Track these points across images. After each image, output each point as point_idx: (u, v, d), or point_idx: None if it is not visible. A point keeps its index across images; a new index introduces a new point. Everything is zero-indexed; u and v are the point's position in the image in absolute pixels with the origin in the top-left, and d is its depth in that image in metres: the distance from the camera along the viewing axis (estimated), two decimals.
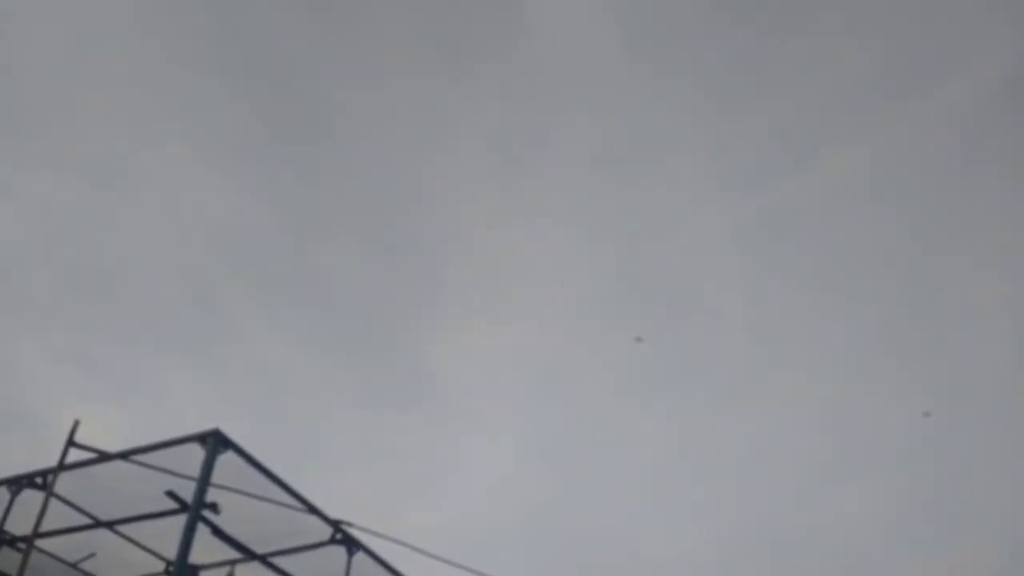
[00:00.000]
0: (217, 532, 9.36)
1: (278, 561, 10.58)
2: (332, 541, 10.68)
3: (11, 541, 9.72)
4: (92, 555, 11.34)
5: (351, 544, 10.87)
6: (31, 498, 9.71)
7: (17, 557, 10.04)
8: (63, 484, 9.45)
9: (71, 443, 9.04)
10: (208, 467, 8.79)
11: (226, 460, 9.24)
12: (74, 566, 11.52)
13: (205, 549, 9.82)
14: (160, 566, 11.01)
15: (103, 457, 9.24)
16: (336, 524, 10.65)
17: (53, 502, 9.23)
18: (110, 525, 9.99)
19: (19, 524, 9.87)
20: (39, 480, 9.41)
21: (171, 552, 10.78)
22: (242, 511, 9.83)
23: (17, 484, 9.47)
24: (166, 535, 10.69)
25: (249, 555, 10.20)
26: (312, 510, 10.26)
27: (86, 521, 10.00)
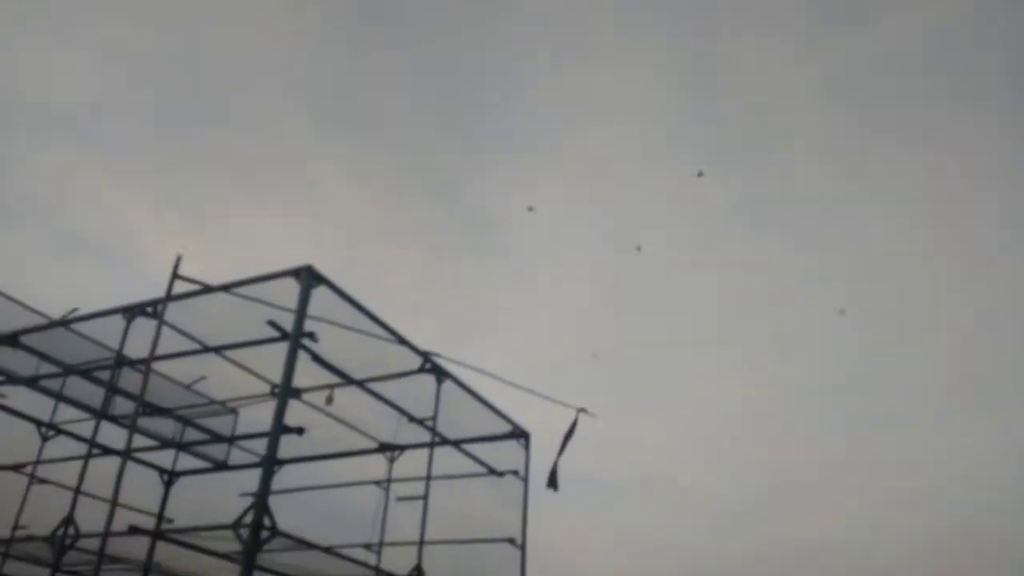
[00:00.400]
0: (316, 359, 9.89)
1: (374, 387, 11.19)
2: (422, 370, 11.22)
3: (131, 363, 10.54)
4: (203, 378, 12.29)
5: (440, 373, 11.40)
6: (144, 326, 10.46)
7: (137, 378, 10.99)
8: (171, 314, 10.09)
9: (175, 275, 9.51)
10: (304, 299, 9.17)
11: (317, 295, 9.64)
12: (188, 388, 12.54)
13: (305, 375, 10.46)
14: (265, 388, 11.80)
15: (206, 289, 9.73)
16: (425, 355, 11.14)
17: (164, 332, 9.91)
18: (217, 350, 10.66)
19: (136, 350, 10.70)
20: (149, 309, 10.04)
21: (274, 376, 11.59)
22: (336, 343, 10.36)
23: (131, 312, 10.15)
24: (268, 362, 11.46)
25: (347, 380, 10.79)
26: (402, 341, 10.71)
27: (195, 347, 10.68)
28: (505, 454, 13.14)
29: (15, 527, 11.67)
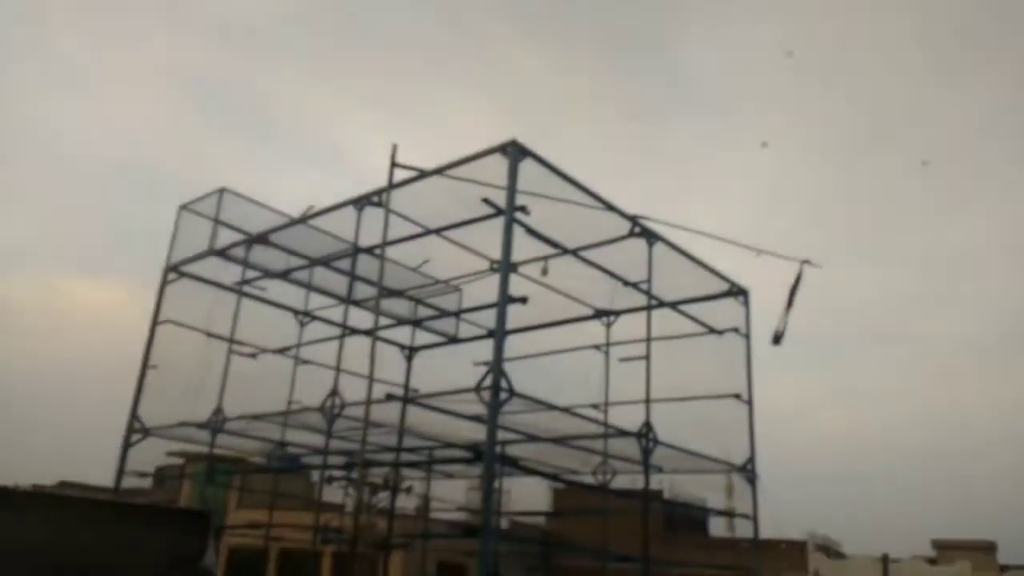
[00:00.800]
0: (530, 231, 10.14)
1: (586, 255, 11.33)
2: (631, 235, 11.16)
3: (366, 250, 11.46)
4: (427, 261, 13.13)
5: (650, 236, 11.28)
6: (372, 217, 11.27)
7: (371, 265, 11.98)
8: (393, 203, 10.73)
9: (393, 164, 10.04)
10: (513, 173, 9.33)
11: (525, 169, 9.75)
12: (415, 270, 13.49)
13: (520, 249, 10.78)
14: (484, 264, 12.40)
15: (422, 174, 10.20)
16: (633, 219, 11.03)
17: (390, 221, 10.58)
18: (438, 232, 11.26)
19: (366, 239, 11.59)
20: (375, 199, 10.76)
21: (492, 253, 12.12)
22: (546, 215, 10.53)
23: (360, 202, 10.94)
24: (485, 240, 11.96)
25: (561, 250, 11.01)
26: (610, 207, 10.66)
27: (418, 231, 11.35)
28: (722, 314, 12.95)
29: (290, 401, 13.53)
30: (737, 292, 12.64)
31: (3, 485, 6.40)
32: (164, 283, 13.60)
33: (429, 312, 15.12)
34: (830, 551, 30.20)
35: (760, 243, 11.19)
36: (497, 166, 9.70)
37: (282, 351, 14.28)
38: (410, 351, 15.92)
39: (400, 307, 14.88)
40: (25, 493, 6.58)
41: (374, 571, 18.09)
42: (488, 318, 14.42)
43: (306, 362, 14.04)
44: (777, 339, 10.12)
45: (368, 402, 10.08)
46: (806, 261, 10.80)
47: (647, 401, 11.45)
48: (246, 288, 13.39)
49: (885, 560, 23.86)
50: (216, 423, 12.44)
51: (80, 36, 79.05)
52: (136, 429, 12.98)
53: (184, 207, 13.48)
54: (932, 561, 29.43)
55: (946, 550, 29.93)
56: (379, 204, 10.66)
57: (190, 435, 13.11)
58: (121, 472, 12.92)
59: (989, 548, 30.13)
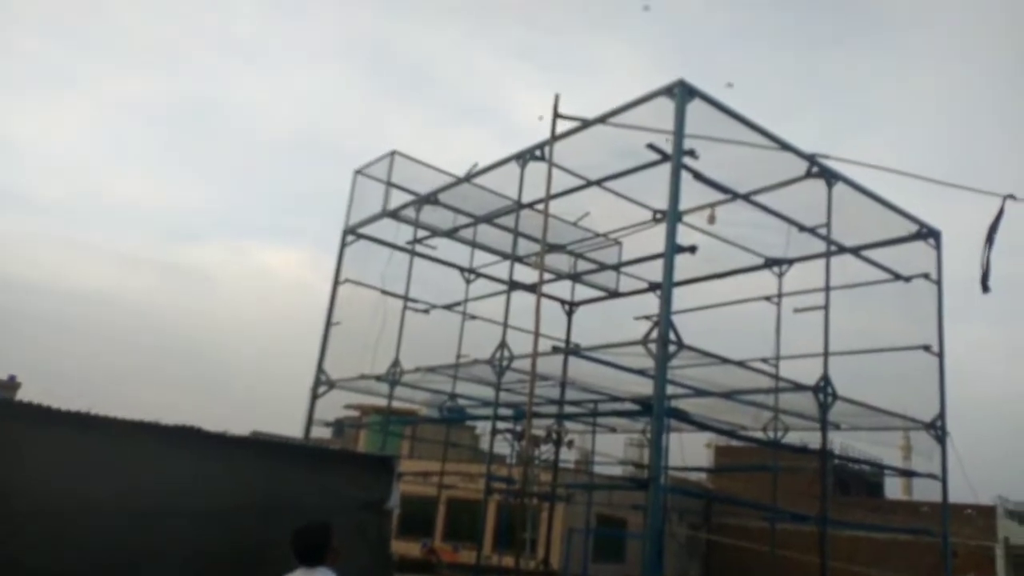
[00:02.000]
0: (698, 177, 9.79)
1: (759, 199, 10.81)
2: (808, 175, 10.51)
3: (530, 205, 11.54)
4: (587, 214, 13.06)
5: (829, 176, 10.58)
6: (534, 173, 11.31)
7: (531, 221, 12.08)
8: (556, 156, 10.68)
9: (556, 115, 9.98)
10: (681, 115, 9.01)
11: (692, 111, 9.38)
12: (574, 224, 13.47)
13: (685, 195, 10.44)
14: (644, 215, 12.16)
15: (585, 124, 10.08)
16: (811, 158, 10.37)
17: (551, 174, 10.56)
18: (600, 183, 11.14)
19: (528, 195, 11.66)
20: (539, 152, 10.77)
21: (653, 202, 11.85)
22: (717, 158, 10.10)
23: (523, 157, 11.00)
24: (646, 191, 11.70)
25: (731, 195, 10.57)
26: (785, 147, 10.08)
27: (580, 183, 11.28)
28: (909, 260, 11.98)
29: (458, 355, 14.02)
30: (927, 234, 11.63)
31: (217, 431, 7.05)
32: (343, 245, 14.43)
33: (589, 267, 15.09)
34: (1022, 517, 27.79)
35: (952, 178, 10.20)
36: (660, 112, 9.40)
37: (451, 307, 14.80)
38: (570, 306, 16.01)
39: (560, 262, 14.96)
40: (235, 437, 7.23)
41: (538, 521, 18.61)
42: (649, 271, 14.19)
43: (473, 317, 14.48)
44: (984, 283, 9.15)
45: (535, 355, 10.22)
46: (1010, 196, 9.70)
47: (825, 354, 10.84)
48: (417, 247, 13.93)
49: None
50: (394, 375, 13.13)
51: (253, 16, 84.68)
52: (322, 382, 13.97)
53: (359, 171, 14.17)
54: None
55: None
56: (542, 158, 10.67)
57: (370, 387, 13.93)
58: (310, 422, 13.98)
59: None
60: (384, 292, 13.86)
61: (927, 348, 11.53)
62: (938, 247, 11.75)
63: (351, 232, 14.34)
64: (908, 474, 13.64)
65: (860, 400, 11.01)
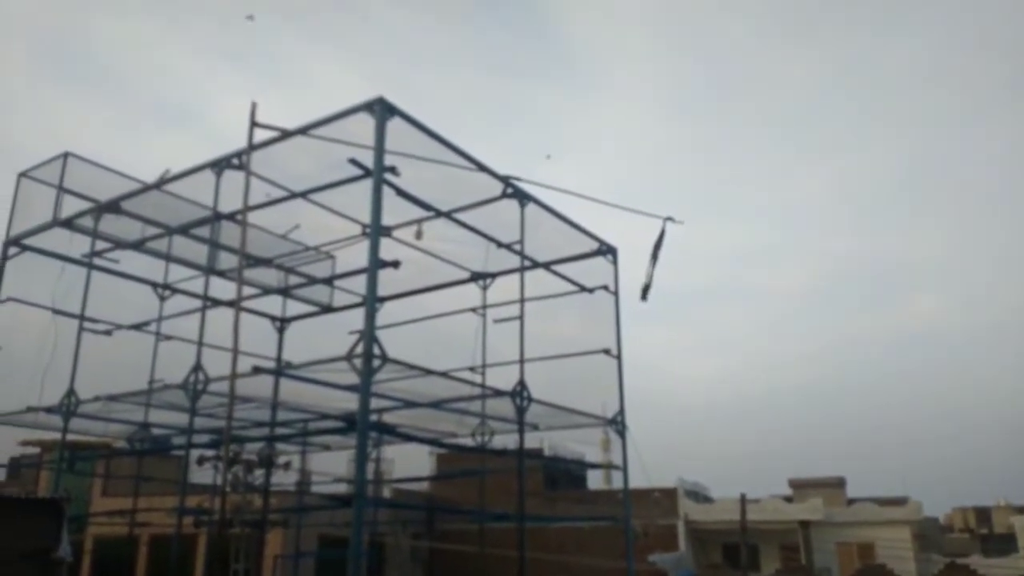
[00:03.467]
0: (401, 193, 9.99)
1: (460, 216, 11.30)
2: (504, 196, 11.22)
3: (228, 216, 10.92)
4: (297, 226, 12.69)
5: (522, 197, 11.39)
6: (233, 181, 10.72)
7: (236, 232, 11.45)
8: (256, 165, 10.23)
9: (254, 124, 9.57)
10: (381, 132, 9.14)
11: (393, 129, 9.56)
12: (283, 237, 13.01)
13: (392, 212, 10.60)
14: (356, 229, 12.11)
15: (285, 134, 9.80)
16: (506, 180, 11.09)
17: (253, 185, 10.09)
18: (304, 195, 10.88)
19: (228, 205, 11.03)
20: (236, 160, 10.25)
21: (364, 217, 11.84)
22: (417, 176, 10.38)
23: (219, 165, 10.39)
24: (356, 205, 11.66)
25: (434, 212, 10.92)
26: (482, 168, 10.66)
27: (283, 194, 10.92)
28: (593, 273, 13.32)
29: (151, 380, 12.81)
30: (606, 251, 13.02)
31: None
32: (5, 258, 12.44)
33: (301, 281, 14.66)
34: (699, 496, 32.14)
35: (626, 201, 11.56)
36: (365, 126, 9.46)
37: (140, 326, 13.47)
38: (281, 322, 15.43)
39: (269, 277, 14.35)
40: None
41: (250, 550, 17.61)
42: (362, 285, 14.17)
43: (169, 337, 13.32)
44: (645, 294, 10.48)
45: (233, 376, 9.67)
46: (669, 218, 11.22)
47: (521, 361, 11.68)
48: (96, 260, 12.45)
49: (743, 500, 25.64)
50: (68, 406, 11.61)
51: None
52: None
53: (23, 174, 12.33)
54: (788, 499, 31.96)
55: (801, 488, 32.58)
56: (239, 167, 10.16)
57: (40, 421, 12.19)
58: None
59: (839, 483, 33.04)
60: (56, 312, 12.19)
61: (607, 352, 12.87)
62: (615, 262, 13.20)
63: (14, 243, 12.42)
64: (595, 466, 15.15)
65: (551, 402, 11.98)
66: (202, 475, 12.89)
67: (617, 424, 13.00)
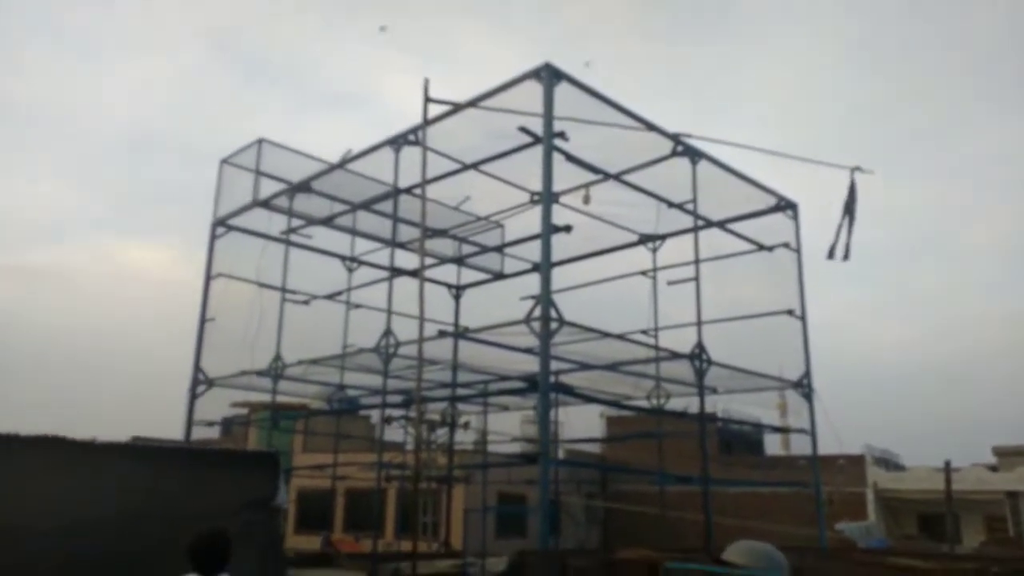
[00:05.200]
0: (570, 158, 9.99)
1: (629, 179, 11.14)
2: (674, 154, 10.91)
3: (407, 190, 11.44)
4: (468, 198, 13.08)
5: (693, 154, 11.02)
6: (409, 159, 11.20)
7: (412, 207, 11.99)
8: (430, 141, 10.61)
9: (427, 99, 9.92)
10: (549, 97, 9.15)
11: (559, 95, 9.53)
12: (456, 208, 13.46)
13: (560, 179, 10.62)
14: (523, 198, 12.30)
15: (456, 107, 10.07)
16: (676, 137, 10.76)
17: (427, 160, 10.48)
18: (476, 166, 11.17)
19: (405, 179, 11.55)
20: (412, 137, 10.68)
21: (531, 185, 11.99)
22: (584, 141, 10.33)
23: (396, 142, 10.88)
24: (524, 174, 11.82)
25: (603, 175, 10.85)
26: (651, 127, 10.42)
27: (457, 167, 11.27)
28: (771, 230, 12.69)
29: (344, 345, 13.80)
30: (786, 206, 12.35)
31: (85, 439, 6.69)
32: (213, 237, 13.85)
33: (473, 250, 15.14)
34: (888, 464, 30.16)
35: (806, 154, 10.85)
36: (532, 95, 9.52)
37: (333, 296, 14.51)
38: (457, 290, 16.04)
39: (444, 247, 14.93)
40: (105, 443, 6.87)
41: (437, 504, 18.69)
42: (533, 251, 14.41)
43: (357, 306, 14.26)
44: (833, 253, 9.72)
45: (420, 339, 10.20)
46: (857, 168, 10.43)
47: (698, 323, 11.38)
48: (292, 237, 13.54)
49: (947, 467, 23.68)
50: (276, 370, 12.79)
51: (87, 5, 79.33)
52: (200, 381, 13.44)
53: (225, 161, 13.59)
54: (992, 468, 29.19)
55: (1007, 456, 29.63)
56: (416, 142, 10.60)
57: (252, 383, 13.52)
58: (190, 423, 13.43)
59: None
60: (260, 285, 13.42)
61: (791, 312, 12.27)
62: (796, 218, 12.49)
63: (221, 224, 13.77)
64: (780, 431, 14.53)
65: (733, 364, 11.62)
66: (390, 433, 13.82)
67: (803, 387, 12.41)
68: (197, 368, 13.43)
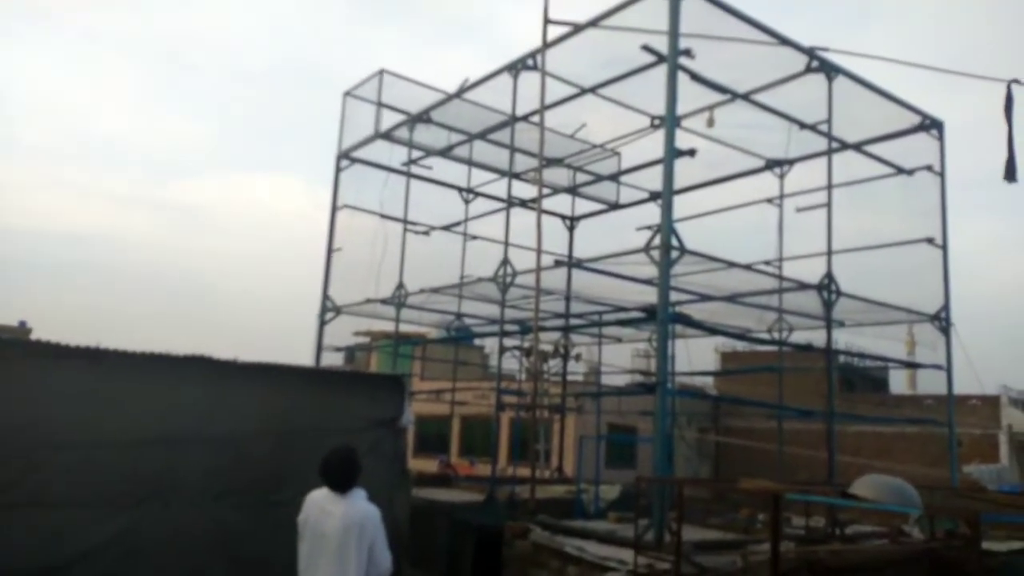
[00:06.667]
0: (696, 78, 9.56)
1: (757, 99, 10.58)
2: (808, 70, 10.24)
3: (524, 118, 11.33)
4: (583, 125, 12.83)
5: (829, 70, 10.31)
6: (526, 84, 11.03)
7: (527, 137, 11.89)
8: (548, 65, 10.38)
9: (547, 21, 9.68)
10: (675, 11, 8.72)
11: (686, 8, 9.06)
12: (571, 137, 13.25)
13: (683, 99, 10.19)
14: (642, 123, 11.94)
15: (577, 28, 9.78)
16: (810, 52, 10.09)
17: (544, 85, 10.28)
18: (595, 90, 10.89)
19: (523, 106, 11.40)
20: (531, 62, 10.50)
21: (651, 109, 11.61)
22: (713, 58, 9.82)
23: (515, 67, 10.73)
24: (641, 95, 11.43)
25: (729, 95, 10.35)
26: (784, 41, 9.79)
27: (575, 92, 11.02)
28: (910, 154, 11.80)
29: (462, 275, 14.05)
30: (930, 125, 11.41)
31: (228, 359, 7.13)
32: (338, 170, 14.27)
33: (588, 179, 14.92)
34: None
35: (952, 68, 9.92)
36: (652, 14, 9.10)
37: (451, 228, 14.74)
38: (571, 221, 15.93)
39: (558, 176, 14.79)
40: (247, 364, 7.32)
41: (550, 432, 19.06)
42: (648, 180, 14.05)
43: (474, 237, 14.44)
44: (1013, 173, 8.84)
45: (538, 269, 10.23)
46: (1015, 80, 9.46)
47: (828, 253, 10.80)
48: (413, 168, 13.75)
49: None
50: (399, 298, 13.21)
51: None
52: (328, 308, 14.08)
53: (348, 93, 13.86)
54: None
55: None
56: (534, 67, 10.41)
57: (376, 311, 14.03)
58: (319, 348, 14.16)
59: None
60: (383, 216, 13.78)
61: (930, 241, 11.49)
62: (941, 138, 11.54)
63: (345, 157, 14.15)
64: (914, 366, 13.80)
65: (864, 296, 11.05)
66: (505, 362, 14.09)
67: (941, 321, 11.68)
68: (325, 296, 14.06)
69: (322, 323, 14.07)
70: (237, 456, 6.73)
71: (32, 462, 5.75)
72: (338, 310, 14.06)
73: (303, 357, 14.56)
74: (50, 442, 5.82)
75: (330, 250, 14.09)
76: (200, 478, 6.50)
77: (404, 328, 14.49)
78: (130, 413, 6.24)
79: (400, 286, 13.19)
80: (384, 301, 13.29)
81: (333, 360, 16.27)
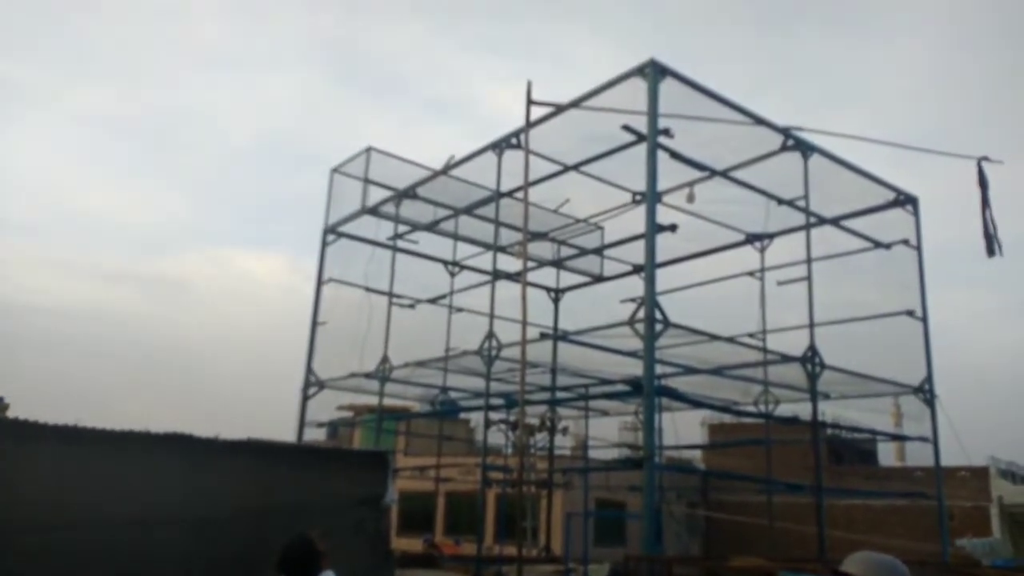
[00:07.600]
0: (675, 156, 9.82)
1: (735, 176, 10.85)
2: (784, 148, 10.56)
3: (508, 194, 11.54)
4: (567, 200, 13.06)
5: (805, 148, 10.64)
6: (509, 162, 11.28)
7: (512, 211, 12.09)
8: (531, 144, 10.63)
9: (530, 102, 9.97)
10: (654, 94, 9.03)
11: (665, 90, 9.39)
12: (555, 211, 13.46)
13: (663, 175, 10.44)
14: (624, 199, 12.17)
15: (559, 108, 10.08)
16: (786, 131, 10.42)
17: (523, 163, 10.52)
18: (578, 167, 11.14)
19: (507, 182, 11.63)
20: (515, 140, 10.76)
21: (632, 185, 11.86)
22: (690, 138, 10.13)
23: (499, 145, 10.99)
24: (622, 172, 11.70)
25: (708, 172, 10.61)
26: (760, 121, 10.12)
27: (558, 169, 11.27)
28: (889, 226, 12.08)
29: (447, 348, 14.01)
30: (905, 201, 11.72)
31: (207, 437, 7.00)
32: (324, 244, 14.37)
33: (572, 252, 15.10)
34: (1016, 476, 28.15)
35: (924, 146, 10.26)
36: (632, 94, 9.42)
37: (436, 300, 14.78)
38: (556, 293, 16.03)
39: (543, 249, 14.96)
40: (226, 442, 7.18)
41: (538, 509, 18.68)
42: (631, 254, 14.24)
43: (459, 310, 14.47)
44: (993, 249, 8.97)
45: (523, 341, 10.22)
46: (984, 158, 9.76)
47: (810, 325, 10.93)
48: (398, 243, 13.88)
49: None
50: (383, 372, 13.11)
51: (218, 22, 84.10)
52: (312, 383, 13.94)
53: (335, 170, 14.09)
54: None
55: None
56: (518, 146, 10.67)
57: (360, 385, 13.91)
58: (302, 423, 13.94)
59: None
60: (368, 289, 13.81)
61: (911, 313, 11.64)
62: (916, 213, 11.85)
63: (331, 231, 14.27)
64: (900, 438, 13.76)
65: (848, 368, 11.10)
66: (490, 437, 13.92)
67: (925, 392, 11.73)
68: (309, 370, 13.94)
69: (305, 398, 13.90)
70: (216, 537, 6.53)
71: (6, 541, 5.55)
72: (322, 384, 13.92)
73: (286, 432, 14.32)
74: (22, 525, 5.63)
75: (315, 324, 14.04)
76: (178, 560, 6.29)
77: (388, 402, 14.34)
78: (106, 494, 6.07)
79: (385, 359, 13.12)
80: (368, 375, 13.19)
81: (316, 435, 16.02)
